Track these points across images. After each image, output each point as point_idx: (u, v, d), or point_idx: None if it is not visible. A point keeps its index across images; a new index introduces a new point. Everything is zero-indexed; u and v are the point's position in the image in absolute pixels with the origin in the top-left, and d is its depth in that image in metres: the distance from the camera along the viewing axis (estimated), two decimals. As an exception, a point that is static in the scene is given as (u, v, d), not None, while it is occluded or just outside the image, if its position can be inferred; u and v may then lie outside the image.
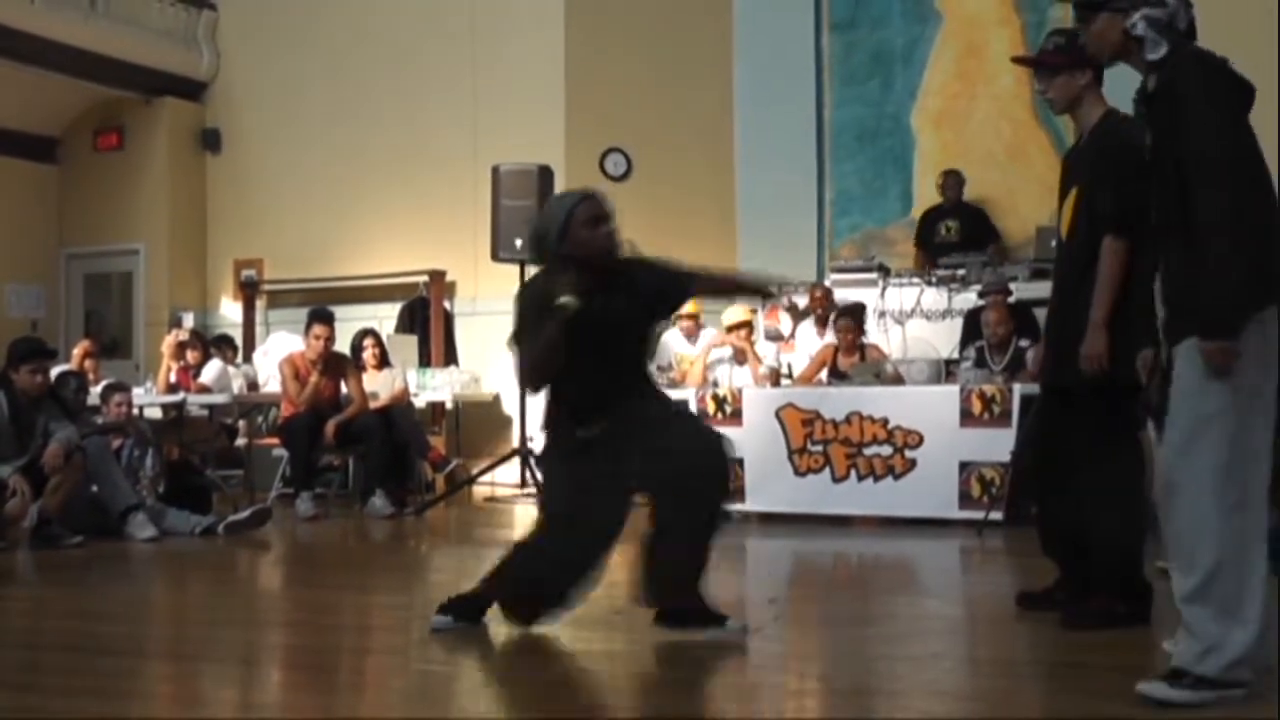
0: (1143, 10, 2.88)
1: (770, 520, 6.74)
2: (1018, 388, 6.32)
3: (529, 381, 3.64)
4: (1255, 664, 2.74)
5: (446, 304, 10.39)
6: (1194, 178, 2.77)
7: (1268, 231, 2.78)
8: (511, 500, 8.06)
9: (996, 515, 6.12)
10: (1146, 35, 2.87)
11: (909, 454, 6.48)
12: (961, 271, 8.37)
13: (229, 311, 11.51)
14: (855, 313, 7.62)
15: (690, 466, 3.47)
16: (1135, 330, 3.31)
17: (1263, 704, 2.70)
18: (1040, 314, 7.51)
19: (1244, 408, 2.75)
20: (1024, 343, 6.93)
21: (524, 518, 7.42)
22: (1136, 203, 3.24)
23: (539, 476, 4.01)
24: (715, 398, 7.03)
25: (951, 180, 9.32)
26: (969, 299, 8.08)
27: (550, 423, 3.67)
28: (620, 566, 5.66)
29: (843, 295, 8.35)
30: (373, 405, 7.71)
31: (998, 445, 6.19)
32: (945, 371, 7.25)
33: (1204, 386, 2.75)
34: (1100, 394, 3.59)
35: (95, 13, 10.79)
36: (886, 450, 6.52)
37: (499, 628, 4.06)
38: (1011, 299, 7.36)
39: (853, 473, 6.60)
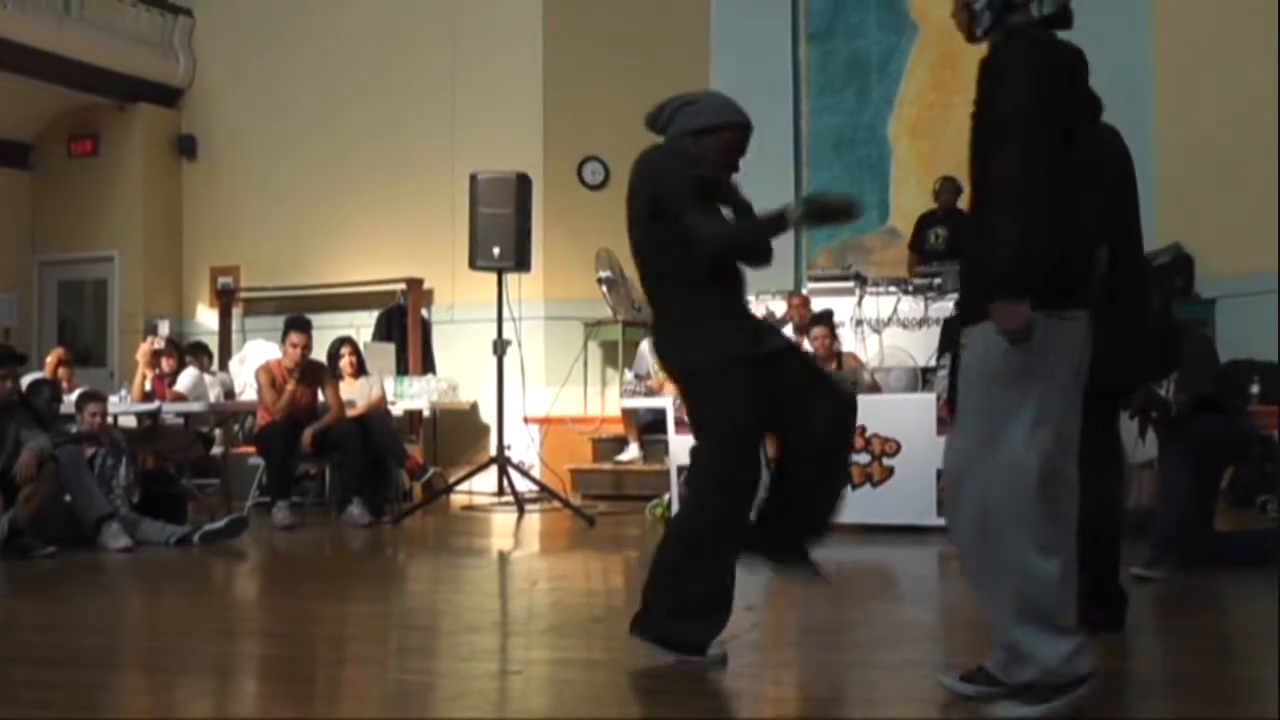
0: None
1: (748, 528, 6.74)
2: (994, 395, 6.35)
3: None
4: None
5: (424, 312, 10.36)
6: (995, 137, 2.77)
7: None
8: (489, 509, 8.03)
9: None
10: (980, 11, 2.94)
11: (887, 462, 6.51)
12: (938, 280, 8.42)
13: (205, 319, 11.45)
14: (826, 319, 7.64)
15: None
16: (1121, 334, 3.33)
17: (1263, 704, 2.71)
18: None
19: (1051, 396, 2.66)
20: (1000, 350, 6.96)
21: (502, 526, 7.41)
22: (1116, 210, 3.26)
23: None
24: (693, 406, 7.03)
25: (947, 186, 9.03)
26: (945, 307, 8.13)
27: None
28: (602, 575, 5.61)
29: (819, 304, 8.39)
30: (350, 413, 7.68)
31: (974, 453, 6.23)
32: (922, 379, 7.28)
33: (1005, 372, 2.64)
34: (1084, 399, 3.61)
35: (69, 17, 10.73)
36: (864, 458, 6.55)
37: (476, 637, 4.06)
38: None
39: (830, 480, 6.61)
